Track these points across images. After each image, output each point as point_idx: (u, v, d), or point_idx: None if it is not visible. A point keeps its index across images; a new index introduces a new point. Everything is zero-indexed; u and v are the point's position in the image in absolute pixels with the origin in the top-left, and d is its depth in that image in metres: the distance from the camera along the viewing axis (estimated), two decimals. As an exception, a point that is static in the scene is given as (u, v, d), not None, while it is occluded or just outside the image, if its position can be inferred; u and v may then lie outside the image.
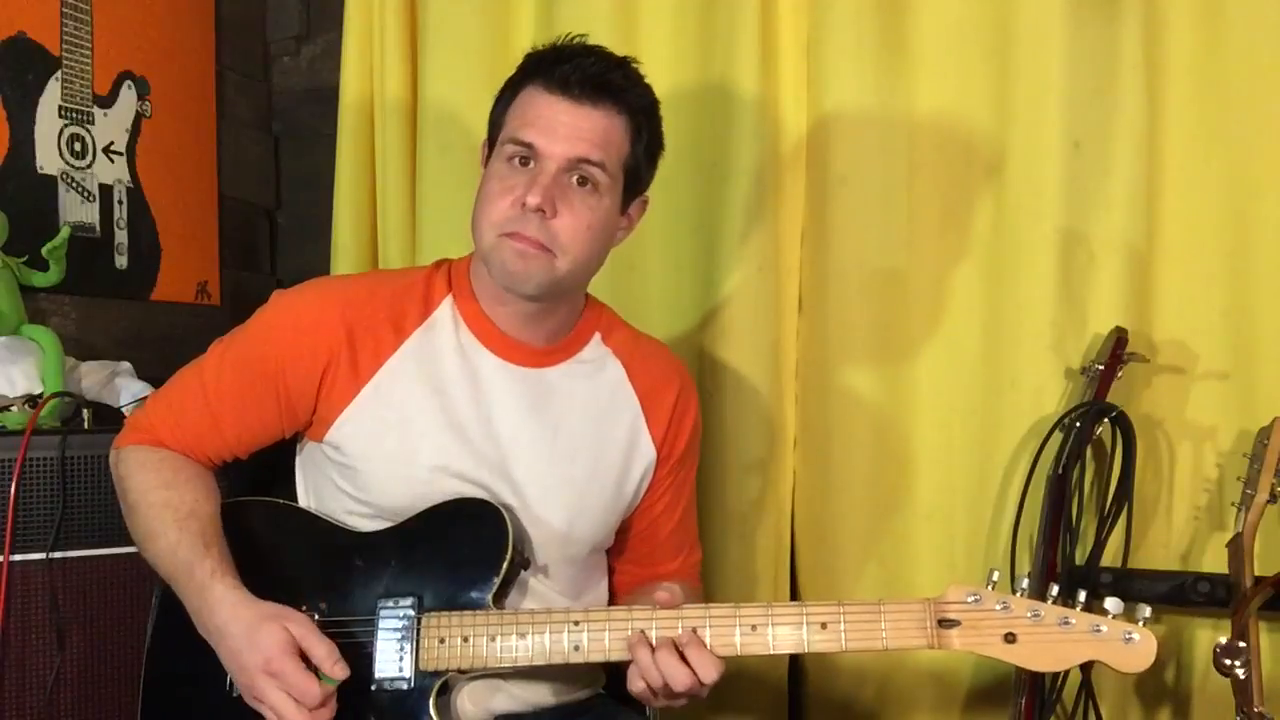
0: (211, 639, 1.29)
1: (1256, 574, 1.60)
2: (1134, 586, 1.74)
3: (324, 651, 1.25)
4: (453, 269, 1.45)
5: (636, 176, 1.40)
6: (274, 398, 1.38)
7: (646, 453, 1.47)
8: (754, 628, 1.25)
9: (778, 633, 1.24)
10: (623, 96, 1.35)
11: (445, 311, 1.41)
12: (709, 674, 1.23)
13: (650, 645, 1.25)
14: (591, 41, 1.40)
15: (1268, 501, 1.62)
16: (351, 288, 1.45)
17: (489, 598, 1.30)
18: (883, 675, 1.95)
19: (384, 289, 1.42)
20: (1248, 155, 1.76)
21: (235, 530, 1.37)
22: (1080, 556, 1.77)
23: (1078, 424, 1.75)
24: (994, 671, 1.88)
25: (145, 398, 1.77)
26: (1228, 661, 1.52)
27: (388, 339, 1.38)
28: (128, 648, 1.61)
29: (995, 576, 1.24)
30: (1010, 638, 1.22)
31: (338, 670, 1.25)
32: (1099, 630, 1.20)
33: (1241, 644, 1.52)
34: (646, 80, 1.40)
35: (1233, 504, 1.67)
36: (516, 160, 1.34)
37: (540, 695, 1.41)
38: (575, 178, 1.33)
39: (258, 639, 1.24)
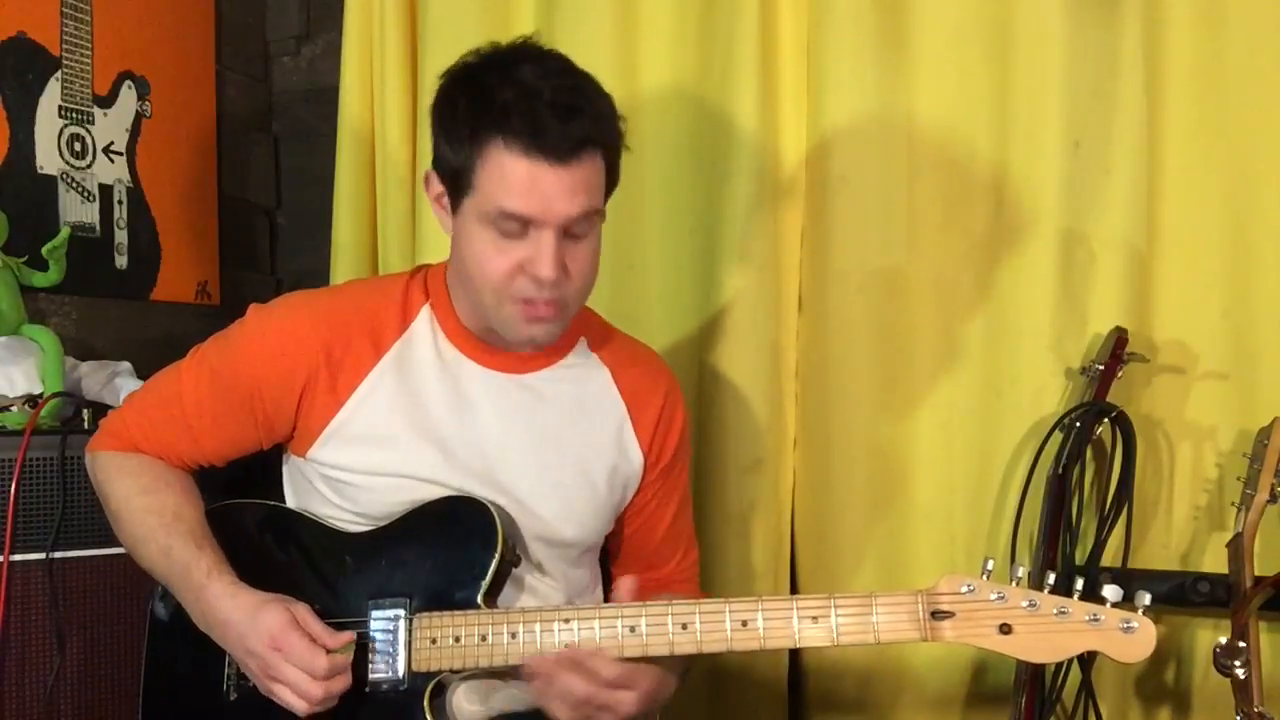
0: (215, 634, 1.30)
1: (1256, 574, 1.60)
2: (1134, 587, 1.72)
3: (320, 628, 1.27)
4: (429, 277, 1.43)
5: (614, 185, 1.35)
6: (251, 416, 1.38)
7: (633, 457, 1.46)
8: (744, 623, 1.23)
9: (768, 626, 1.23)
10: (600, 138, 1.27)
11: (423, 322, 1.40)
12: (605, 670, 1.21)
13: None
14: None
15: (1268, 501, 1.62)
16: (329, 304, 1.42)
17: (480, 596, 1.29)
18: (882, 676, 1.95)
19: (361, 302, 1.40)
20: (1248, 155, 1.76)
21: (225, 534, 1.37)
22: (1080, 556, 1.76)
23: (1078, 424, 1.75)
24: (994, 671, 1.87)
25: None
26: (1228, 661, 1.52)
27: (366, 354, 1.37)
28: (128, 648, 1.62)
29: (990, 565, 1.21)
30: (1005, 629, 1.19)
31: (341, 640, 1.26)
32: (1097, 619, 1.17)
33: (1241, 644, 1.52)
34: (604, 92, 1.31)
35: (1233, 504, 1.67)
36: (509, 225, 1.26)
37: (538, 694, 1.41)
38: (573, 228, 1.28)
39: (261, 619, 1.25)
